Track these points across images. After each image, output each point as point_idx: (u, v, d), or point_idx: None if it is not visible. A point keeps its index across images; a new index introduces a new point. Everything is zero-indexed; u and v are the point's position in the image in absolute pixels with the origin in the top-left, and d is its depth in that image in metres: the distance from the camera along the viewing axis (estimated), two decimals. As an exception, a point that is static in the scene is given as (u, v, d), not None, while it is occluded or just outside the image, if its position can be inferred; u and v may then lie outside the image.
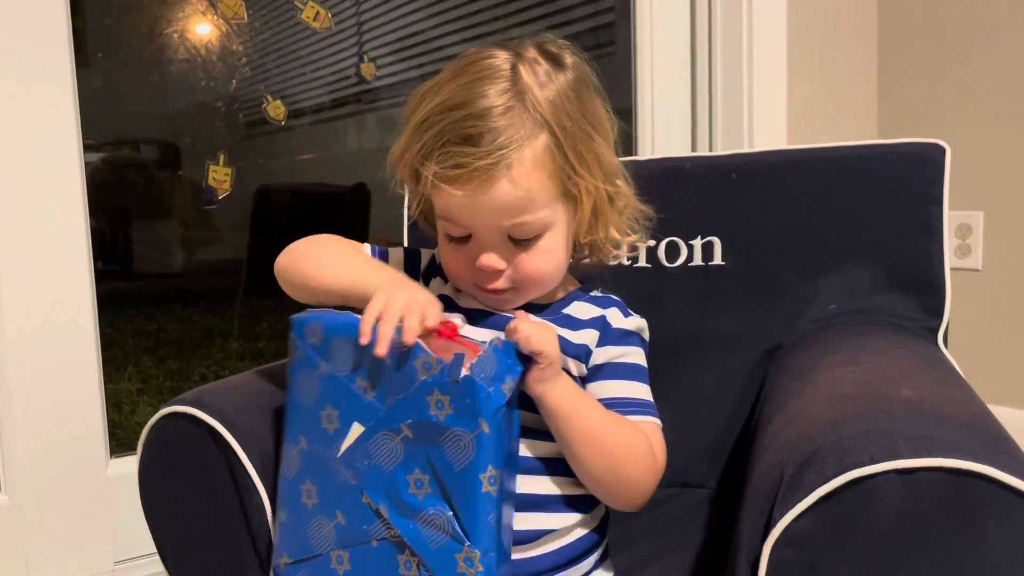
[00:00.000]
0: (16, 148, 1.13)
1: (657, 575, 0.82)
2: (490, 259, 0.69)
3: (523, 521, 0.69)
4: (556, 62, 0.70)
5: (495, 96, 0.65)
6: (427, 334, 0.64)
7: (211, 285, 1.69)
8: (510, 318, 0.71)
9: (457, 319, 0.66)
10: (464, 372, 0.61)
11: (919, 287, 0.96)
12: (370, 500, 0.64)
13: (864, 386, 0.68)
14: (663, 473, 0.72)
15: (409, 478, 0.63)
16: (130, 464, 1.18)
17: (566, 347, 0.72)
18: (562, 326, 0.73)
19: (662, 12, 1.76)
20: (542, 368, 0.64)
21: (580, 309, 0.76)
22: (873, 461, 0.54)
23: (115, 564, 1.25)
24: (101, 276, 1.24)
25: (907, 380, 0.69)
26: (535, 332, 0.63)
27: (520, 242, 0.69)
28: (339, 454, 0.66)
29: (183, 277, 1.65)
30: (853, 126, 1.93)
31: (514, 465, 0.66)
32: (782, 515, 0.56)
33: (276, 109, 1.53)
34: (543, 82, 0.67)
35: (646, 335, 0.78)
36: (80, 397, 1.20)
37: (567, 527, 0.71)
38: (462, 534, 0.61)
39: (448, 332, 0.64)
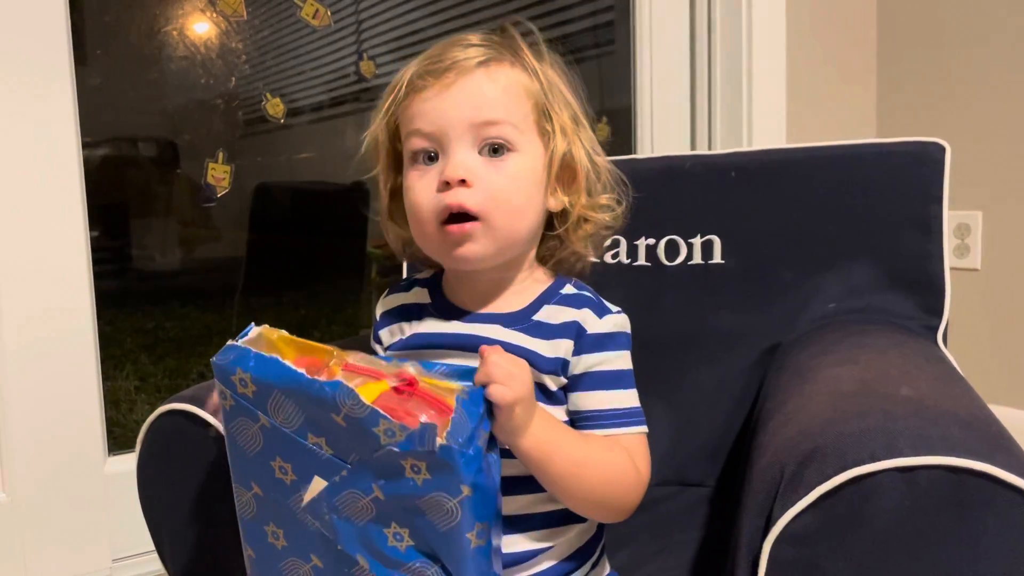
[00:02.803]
0: (15, 145, 1.13)
1: (655, 573, 0.82)
2: (455, 168, 0.65)
3: (510, 544, 0.67)
4: (534, 51, 0.73)
5: (478, 35, 0.70)
6: (384, 393, 0.59)
7: (209, 283, 1.69)
8: (487, 340, 0.67)
9: (411, 368, 0.60)
10: (439, 442, 0.55)
11: (919, 286, 0.96)
12: (345, 550, 0.60)
13: (864, 384, 0.68)
14: (647, 484, 0.69)
15: (387, 531, 0.59)
16: (128, 462, 1.18)
17: (541, 363, 0.68)
18: (533, 335, 0.69)
19: (661, 11, 1.76)
20: (502, 421, 0.60)
21: (552, 313, 0.71)
22: (873, 459, 0.54)
23: (113, 561, 1.25)
24: (99, 274, 1.23)
25: (907, 378, 0.69)
26: (496, 388, 0.58)
27: (489, 156, 0.67)
28: (303, 504, 0.61)
29: (181, 275, 1.65)
30: (852, 125, 1.93)
31: (497, 499, 0.61)
32: (782, 513, 0.55)
33: (275, 107, 1.52)
34: (530, 45, 0.71)
35: (627, 329, 0.72)
36: (78, 395, 1.20)
37: (555, 544, 0.70)
38: None
39: (405, 387, 0.59)
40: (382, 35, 1.67)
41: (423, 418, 0.56)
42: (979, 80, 1.80)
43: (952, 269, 0.96)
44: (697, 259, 1.04)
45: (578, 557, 0.71)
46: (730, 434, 1.01)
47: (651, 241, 1.05)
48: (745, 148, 1.66)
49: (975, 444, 0.55)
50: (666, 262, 1.05)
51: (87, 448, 1.22)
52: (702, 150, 1.77)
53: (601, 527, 0.76)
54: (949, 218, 0.96)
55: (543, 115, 0.69)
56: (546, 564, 0.69)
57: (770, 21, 1.71)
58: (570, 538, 0.71)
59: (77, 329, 1.19)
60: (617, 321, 0.72)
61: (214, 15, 1.46)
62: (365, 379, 0.59)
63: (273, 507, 0.63)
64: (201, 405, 0.77)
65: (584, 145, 0.72)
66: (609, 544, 0.80)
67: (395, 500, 0.58)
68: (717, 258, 1.03)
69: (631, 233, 1.05)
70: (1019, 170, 1.75)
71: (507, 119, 0.67)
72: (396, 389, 0.59)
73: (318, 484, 0.60)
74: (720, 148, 1.75)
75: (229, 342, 0.63)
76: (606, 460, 0.66)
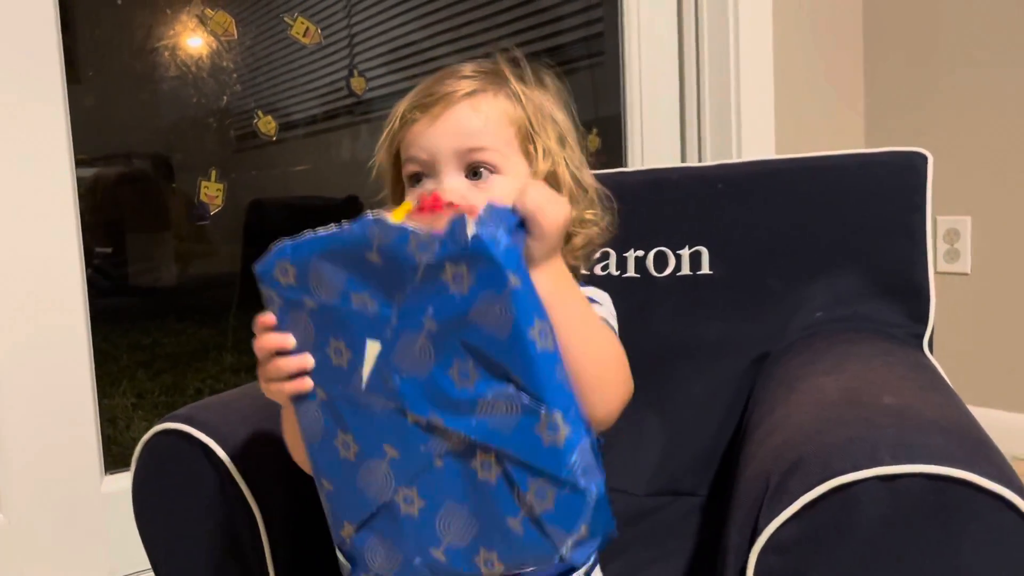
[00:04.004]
0: (8, 164, 1.13)
1: (649, 583, 0.83)
2: (443, 192, 0.70)
3: None
4: (536, 77, 0.77)
5: (470, 65, 0.75)
6: (408, 212, 0.59)
7: (205, 298, 1.70)
8: None
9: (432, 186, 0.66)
10: (471, 231, 0.53)
11: (904, 294, 0.97)
12: (418, 417, 0.58)
13: (848, 393, 0.69)
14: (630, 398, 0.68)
15: (451, 373, 0.56)
16: (125, 480, 1.18)
17: None
18: None
19: (650, 22, 1.78)
20: (533, 239, 0.60)
21: None
22: (856, 468, 0.55)
23: (111, 580, 1.25)
24: (94, 291, 1.24)
25: (890, 387, 0.70)
26: (533, 196, 0.60)
27: (475, 177, 0.71)
28: (363, 384, 0.59)
29: (177, 291, 1.65)
30: (841, 135, 1.94)
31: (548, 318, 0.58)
32: (767, 523, 0.56)
33: (267, 124, 1.53)
34: (517, 74, 0.75)
35: (610, 305, 0.76)
36: (75, 413, 1.20)
37: None
38: (534, 402, 0.55)
39: (431, 204, 0.59)
40: (374, 49, 1.69)
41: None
42: (967, 87, 1.81)
43: (942, 274, 0.97)
44: (686, 270, 1.05)
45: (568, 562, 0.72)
46: (721, 443, 1.02)
47: (640, 253, 1.06)
48: (735, 159, 1.68)
49: (956, 452, 0.55)
50: (655, 273, 1.06)
51: (84, 466, 1.22)
52: (692, 161, 1.79)
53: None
54: (939, 223, 0.97)
55: (528, 139, 0.73)
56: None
57: (758, 33, 1.73)
58: None
59: (73, 347, 1.20)
60: (599, 294, 0.77)
61: (205, 35, 1.47)
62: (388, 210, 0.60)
63: (338, 407, 0.61)
64: (196, 424, 0.78)
65: (569, 164, 0.75)
66: (603, 554, 0.81)
67: (449, 326, 0.56)
68: (705, 269, 1.04)
69: (620, 245, 1.06)
70: (1007, 175, 1.76)
71: (490, 145, 0.72)
72: (420, 208, 0.59)
73: (372, 350, 0.59)
74: (710, 159, 1.76)
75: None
76: (608, 334, 0.70)
